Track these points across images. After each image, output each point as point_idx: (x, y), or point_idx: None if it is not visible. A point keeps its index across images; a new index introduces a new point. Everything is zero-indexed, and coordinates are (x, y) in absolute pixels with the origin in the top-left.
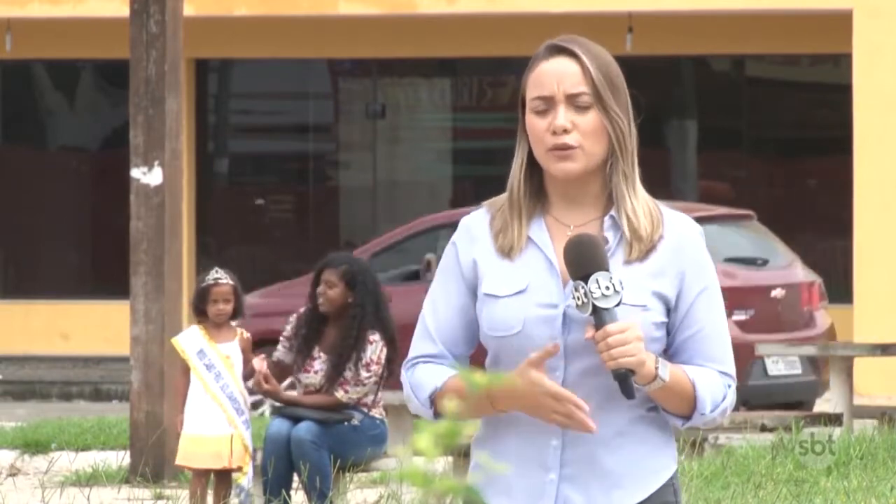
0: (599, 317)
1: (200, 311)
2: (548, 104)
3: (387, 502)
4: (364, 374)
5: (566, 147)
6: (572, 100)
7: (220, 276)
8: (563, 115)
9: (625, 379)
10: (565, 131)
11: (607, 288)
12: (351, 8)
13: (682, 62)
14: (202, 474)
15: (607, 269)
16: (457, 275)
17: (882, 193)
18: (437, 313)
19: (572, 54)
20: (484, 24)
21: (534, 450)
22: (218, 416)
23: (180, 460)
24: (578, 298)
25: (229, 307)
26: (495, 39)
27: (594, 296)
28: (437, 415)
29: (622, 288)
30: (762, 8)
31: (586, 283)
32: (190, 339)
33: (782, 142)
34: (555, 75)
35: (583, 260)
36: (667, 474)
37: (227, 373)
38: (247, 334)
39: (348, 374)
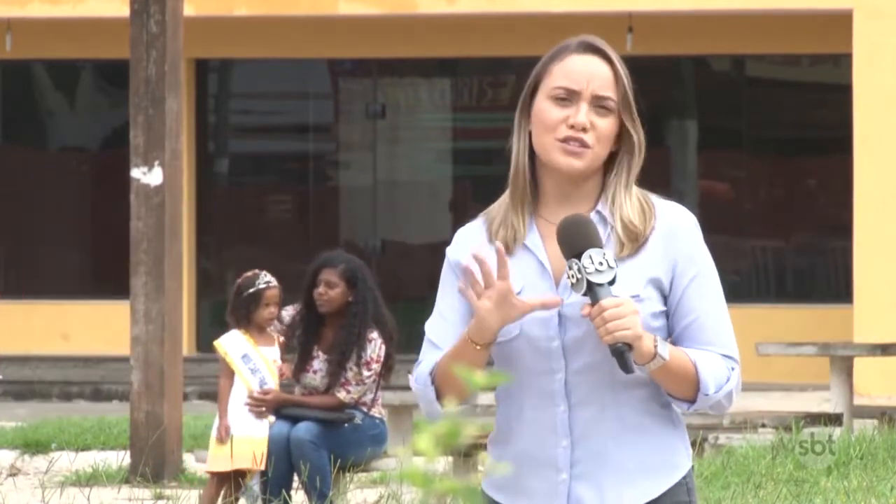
0: (594, 293)
1: (245, 317)
2: (571, 97)
3: (387, 502)
4: (365, 372)
5: (582, 143)
6: (597, 101)
7: (271, 280)
8: (584, 113)
9: (622, 354)
10: (584, 129)
11: (601, 263)
12: (351, 8)
13: (682, 62)
14: (226, 478)
15: (600, 246)
16: (453, 286)
17: (882, 193)
18: (438, 326)
19: (606, 58)
20: (484, 24)
21: (545, 451)
22: (259, 418)
23: (214, 465)
24: (573, 276)
25: (277, 311)
26: (495, 39)
27: (588, 271)
28: (438, 396)
29: (616, 264)
30: (762, 8)
31: (580, 261)
32: (233, 343)
33: (782, 142)
34: (586, 73)
35: (575, 238)
36: (680, 473)
37: (270, 378)
38: (282, 338)
39: (350, 373)
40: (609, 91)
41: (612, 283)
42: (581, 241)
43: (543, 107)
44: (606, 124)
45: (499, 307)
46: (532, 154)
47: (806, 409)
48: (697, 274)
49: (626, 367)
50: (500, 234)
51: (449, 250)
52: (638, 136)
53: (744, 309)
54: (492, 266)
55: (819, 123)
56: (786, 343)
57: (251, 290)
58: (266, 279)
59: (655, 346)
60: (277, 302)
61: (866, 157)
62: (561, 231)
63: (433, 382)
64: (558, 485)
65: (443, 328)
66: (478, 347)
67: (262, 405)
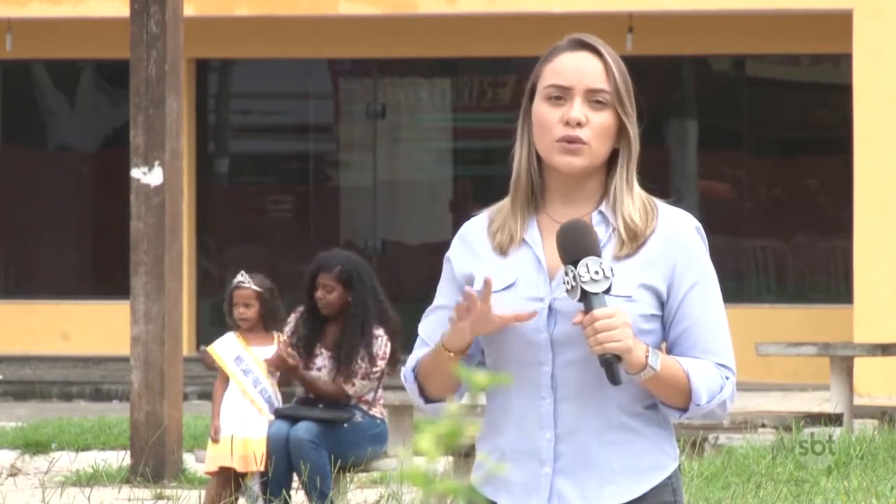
0: (588, 302)
1: (228, 316)
2: (564, 94)
3: (387, 502)
4: (373, 368)
5: (576, 140)
6: (590, 95)
7: (243, 280)
8: (578, 108)
9: (610, 365)
10: (579, 124)
11: (596, 273)
12: (351, 8)
13: (682, 62)
14: (227, 478)
15: (598, 255)
16: (451, 284)
17: (882, 193)
18: (432, 323)
19: (597, 52)
20: (484, 24)
21: (530, 444)
22: (257, 419)
23: (211, 465)
24: (568, 283)
25: (250, 311)
26: (495, 39)
27: (583, 280)
28: (421, 390)
29: (612, 274)
30: (762, 8)
31: (576, 268)
32: (226, 346)
33: (782, 142)
34: (577, 69)
35: (573, 245)
36: (664, 473)
37: (264, 377)
38: (284, 338)
39: (358, 368)
40: (602, 84)
41: (607, 291)
42: (579, 248)
43: (540, 109)
44: (602, 118)
45: (474, 325)
46: (538, 156)
47: (806, 409)
48: (697, 281)
49: (613, 379)
50: (497, 237)
51: (451, 248)
52: (633, 130)
53: (744, 309)
54: (478, 297)
55: (819, 123)
56: (786, 343)
57: (228, 291)
58: (239, 279)
59: (647, 357)
60: (248, 303)
61: (866, 157)
62: (560, 236)
63: (416, 379)
64: (540, 478)
65: (429, 327)
66: (451, 355)
67: (281, 365)
